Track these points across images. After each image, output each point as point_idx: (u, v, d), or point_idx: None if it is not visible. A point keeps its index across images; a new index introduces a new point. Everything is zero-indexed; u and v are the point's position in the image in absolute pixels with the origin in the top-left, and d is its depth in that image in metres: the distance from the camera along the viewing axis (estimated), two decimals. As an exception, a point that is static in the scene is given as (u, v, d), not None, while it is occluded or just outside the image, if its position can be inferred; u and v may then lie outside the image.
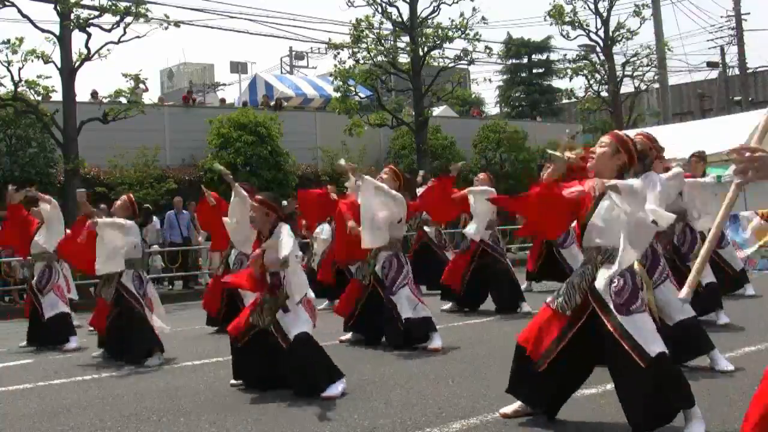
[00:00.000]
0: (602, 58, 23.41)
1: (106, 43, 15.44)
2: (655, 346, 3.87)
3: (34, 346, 8.34)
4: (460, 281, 9.24)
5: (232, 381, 5.63)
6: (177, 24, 15.78)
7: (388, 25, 20.17)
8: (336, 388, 5.17)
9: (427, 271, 10.74)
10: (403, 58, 20.77)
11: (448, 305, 9.45)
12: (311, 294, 5.46)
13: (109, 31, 15.43)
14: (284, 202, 9.79)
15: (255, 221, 5.57)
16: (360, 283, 7.25)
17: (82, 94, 18.49)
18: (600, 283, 4.03)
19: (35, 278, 8.43)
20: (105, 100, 16.38)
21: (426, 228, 11.52)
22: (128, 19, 15.33)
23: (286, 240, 5.22)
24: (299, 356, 5.24)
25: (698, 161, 8.27)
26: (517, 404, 4.38)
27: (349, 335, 7.43)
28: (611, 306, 3.95)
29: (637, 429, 3.86)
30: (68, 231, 8.24)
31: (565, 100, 30.66)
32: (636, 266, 4.02)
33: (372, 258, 7.05)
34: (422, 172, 12.50)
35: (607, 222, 4.06)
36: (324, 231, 11.25)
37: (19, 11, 15.08)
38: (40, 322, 8.29)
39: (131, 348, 6.92)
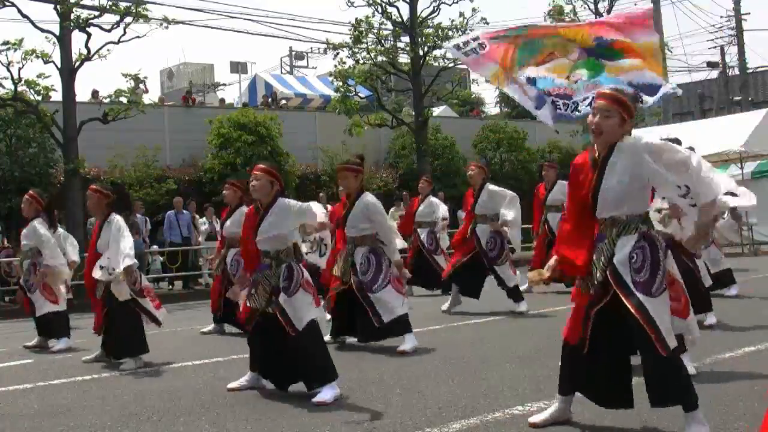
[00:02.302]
0: (602, 58, 23.41)
1: (106, 43, 15.43)
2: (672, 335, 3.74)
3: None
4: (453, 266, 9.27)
5: (229, 385, 5.46)
6: (171, 21, 15.73)
7: (388, 25, 20.19)
8: (327, 394, 4.92)
9: (421, 273, 10.88)
10: (403, 58, 20.77)
11: (446, 305, 9.37)
12: (306, 275, 5.23)
13: (109, 31, 15.42)
14: None
15: (256, 190, 5.31)
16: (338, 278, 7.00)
17: (82, 94, 18.53)
18: (619, 257, 3.80)
19: (22, 277, 8.22)
20: (105, 100, 16.38)
21: (419, 230, 11.45)
22: (128, 19, 15.33)
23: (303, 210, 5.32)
24: (306, 344, 5.03)
25: None
26: (548, 413, 4.13)
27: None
28: (631, 286, 3.74)
29: (654, 403, 3.80)
30: None
31: (565, 100, 30.58)
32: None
33: (350, 255, 6.85)
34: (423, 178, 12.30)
35: (618, 191, 3.85)
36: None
37: (19, 11, 15.08)
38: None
39: (114, 345, 6.88)
